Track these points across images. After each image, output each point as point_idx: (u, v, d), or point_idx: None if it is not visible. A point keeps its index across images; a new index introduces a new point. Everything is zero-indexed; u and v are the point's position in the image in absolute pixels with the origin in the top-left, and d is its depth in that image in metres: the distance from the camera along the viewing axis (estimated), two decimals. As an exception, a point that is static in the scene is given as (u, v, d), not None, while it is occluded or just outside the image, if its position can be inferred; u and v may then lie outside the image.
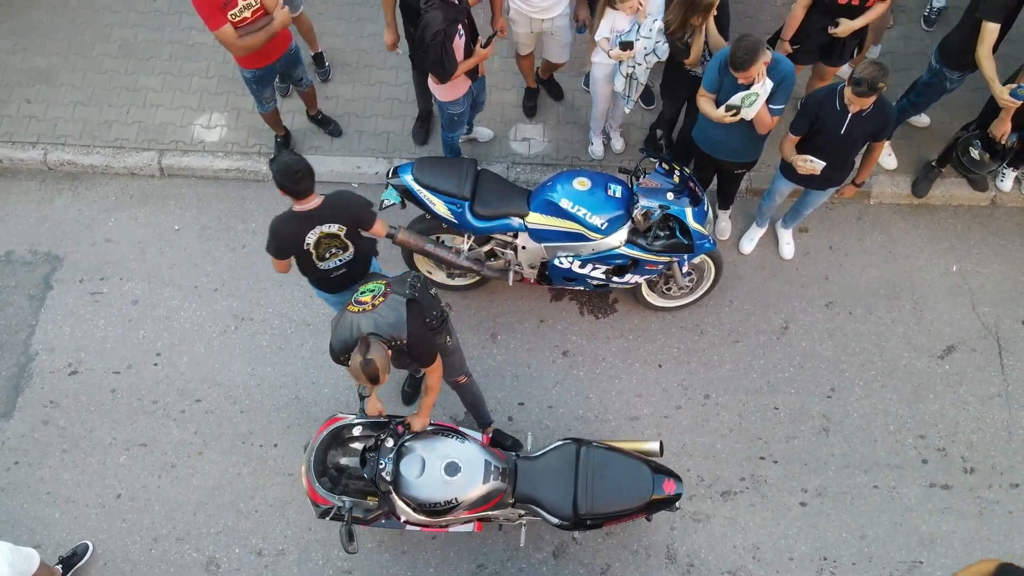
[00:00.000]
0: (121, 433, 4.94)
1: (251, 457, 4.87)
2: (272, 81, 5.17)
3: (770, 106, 4.21)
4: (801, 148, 4.42)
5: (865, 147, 4.48)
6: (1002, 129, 4.77)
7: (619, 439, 4.73)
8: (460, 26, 4.32)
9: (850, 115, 4.15)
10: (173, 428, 4.95)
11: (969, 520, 4.64)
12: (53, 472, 4.84)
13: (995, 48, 4.47)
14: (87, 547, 4.62)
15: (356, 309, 3.61)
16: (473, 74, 4.75)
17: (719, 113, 4.26)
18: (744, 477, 4.78)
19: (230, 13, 4.47)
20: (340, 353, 3.64)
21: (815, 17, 4.68)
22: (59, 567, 4.47)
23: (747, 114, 4.24)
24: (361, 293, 3.69)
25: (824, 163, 4.34)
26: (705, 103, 4.36)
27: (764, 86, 4.11)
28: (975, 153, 4.95)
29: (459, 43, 4.37)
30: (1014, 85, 4.47)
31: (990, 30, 4.38)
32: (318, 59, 5.93)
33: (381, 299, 3.61)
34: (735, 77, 4.09)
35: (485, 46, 4.54)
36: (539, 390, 5.02)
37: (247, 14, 4.55)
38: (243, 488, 4.79)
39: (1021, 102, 4.47)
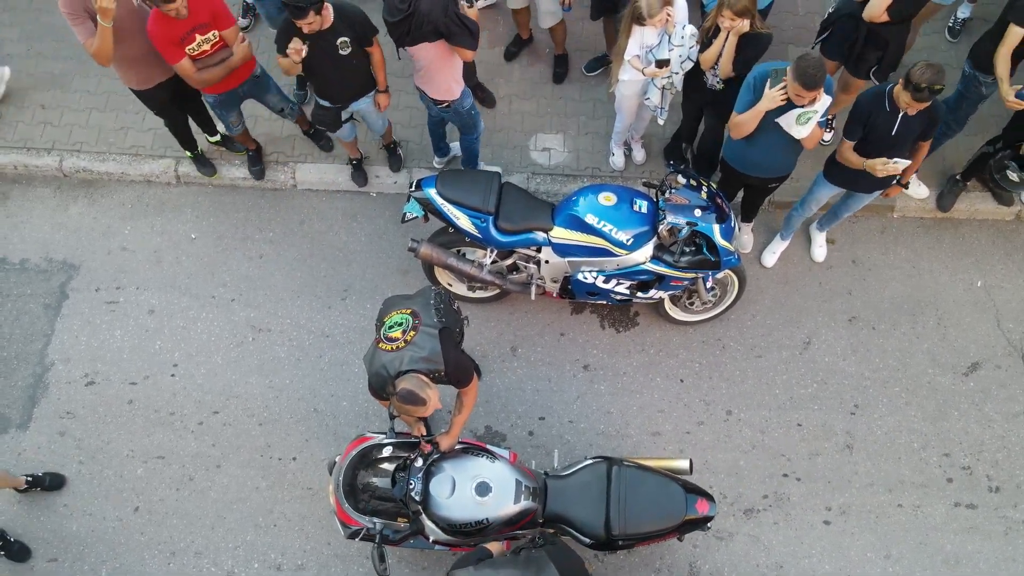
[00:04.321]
0: (138, 445, 4.90)
1: (270, 470, 4.83)
2: (236, 106, 5.02)
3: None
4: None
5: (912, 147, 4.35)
6: None
7: (647, 456, 4.69)
8: None
9: (900, 115, 4.08)
10: (191, 440, 4.91)
11: (995, 540, 4.60)
12: (70, 484, 4.80)
13: (1022, 56, 4.47)
14: (62, 481, 4.79)
15: (388, 347, 3.56)
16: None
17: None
18: (767, 495, 4.74)
19: (188, 47, 4.40)
20: (380, 390, 3.61)
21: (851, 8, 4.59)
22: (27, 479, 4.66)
23: (799, 132, 4.11)
24: (389, 328, 3.63)
25: (908, 161, 4.19)
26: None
27: (823, 102, 3.98)
28: (1014, 176, 4.88)
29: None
30: (1020, 87, 4.43)
31: (1015, 33, 4.39)
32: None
33: (412, 333, 3.57)
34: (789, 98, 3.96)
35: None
36: (560, 404, 4.98)
37: (206, 47, 4.48)
38: (262, 502, 4.75)
39: None
